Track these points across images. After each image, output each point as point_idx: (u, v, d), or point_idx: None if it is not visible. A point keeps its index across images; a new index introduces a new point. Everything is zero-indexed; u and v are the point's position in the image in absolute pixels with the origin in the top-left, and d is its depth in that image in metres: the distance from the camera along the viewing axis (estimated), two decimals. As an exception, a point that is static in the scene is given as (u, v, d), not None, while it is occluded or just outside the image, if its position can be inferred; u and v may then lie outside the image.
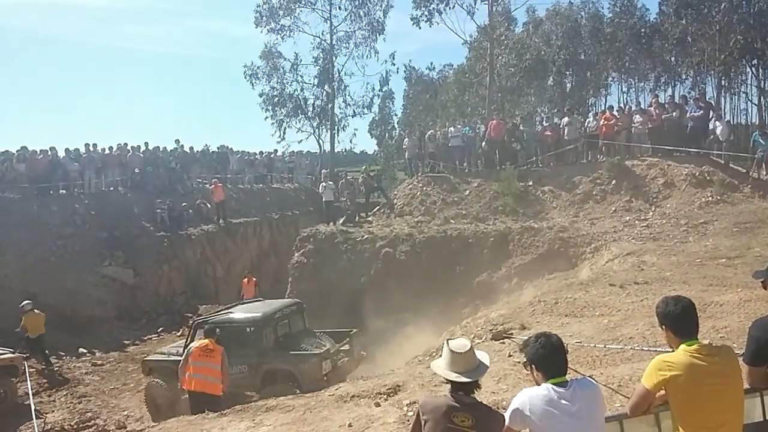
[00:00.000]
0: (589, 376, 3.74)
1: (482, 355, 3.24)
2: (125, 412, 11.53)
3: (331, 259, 18.23)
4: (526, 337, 3.15)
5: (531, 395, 2.95)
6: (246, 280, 17.38)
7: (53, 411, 11.49)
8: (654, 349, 6.17)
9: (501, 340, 8.40)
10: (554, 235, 16.23)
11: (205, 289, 21.95)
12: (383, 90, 41.07)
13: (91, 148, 23.14)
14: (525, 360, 3.11)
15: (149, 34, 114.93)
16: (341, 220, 19.82)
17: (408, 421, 5.60)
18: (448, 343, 3.19)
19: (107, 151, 23.56)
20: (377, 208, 20.69)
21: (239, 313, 11.39)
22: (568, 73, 42.03)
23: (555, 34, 40.27)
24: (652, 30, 38.48)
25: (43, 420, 10.79)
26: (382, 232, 18.40)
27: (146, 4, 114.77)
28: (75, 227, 20.05)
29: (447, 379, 3.15)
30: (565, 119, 19.87)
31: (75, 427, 10.68)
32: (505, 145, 20.03)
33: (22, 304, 13.90)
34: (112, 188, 22.83)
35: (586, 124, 19.96)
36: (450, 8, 30.95)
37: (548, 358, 2.99)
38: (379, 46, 37.47)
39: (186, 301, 20.47)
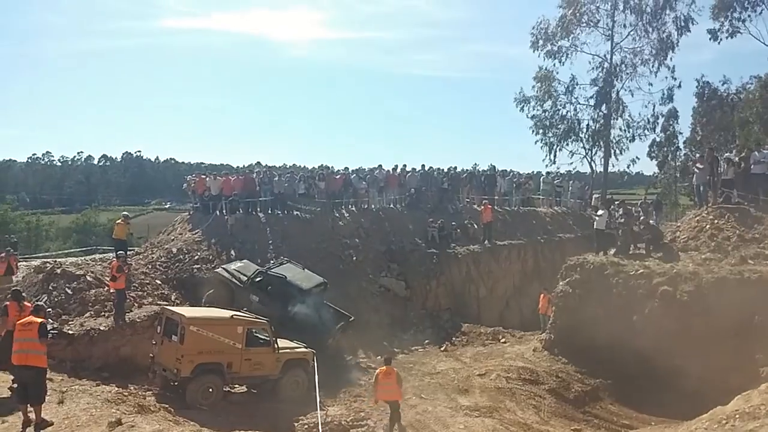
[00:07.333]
0: None
1: None
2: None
3: (599, 292, 17.11)
4: None
5: None
6: (542, 295, 20.21)
7: (333, 405, 12.99)
8: None
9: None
10: None
11: (468, 307, 22.62)
12: (664, 106, 37.23)
13: (376, 170, 25.83)
14: None
15: (430, 60, 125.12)
16: (613, 251, 18.48)
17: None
18: None
19: (390, 172, 25.97)
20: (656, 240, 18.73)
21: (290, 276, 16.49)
22: None
23: None
24: None
25: (325, 412, 12.21)
26: (661, 267, 16.62)
27: (429, 34, 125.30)
28: (360, 239, 22.60)
29: None
30: None
31: (350, 423, 11.85)
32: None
33: None
34: (391, 205, 25.24)
35: None
36: (757, 15, 26.76)
37: None
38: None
39: (450, 318, 21.33)
